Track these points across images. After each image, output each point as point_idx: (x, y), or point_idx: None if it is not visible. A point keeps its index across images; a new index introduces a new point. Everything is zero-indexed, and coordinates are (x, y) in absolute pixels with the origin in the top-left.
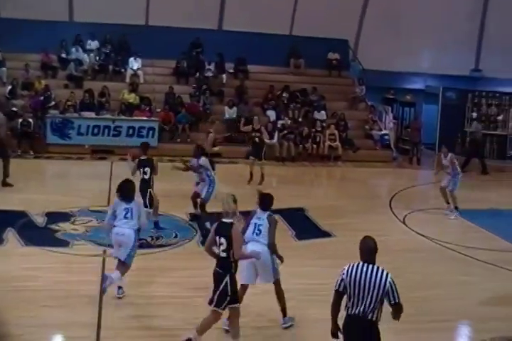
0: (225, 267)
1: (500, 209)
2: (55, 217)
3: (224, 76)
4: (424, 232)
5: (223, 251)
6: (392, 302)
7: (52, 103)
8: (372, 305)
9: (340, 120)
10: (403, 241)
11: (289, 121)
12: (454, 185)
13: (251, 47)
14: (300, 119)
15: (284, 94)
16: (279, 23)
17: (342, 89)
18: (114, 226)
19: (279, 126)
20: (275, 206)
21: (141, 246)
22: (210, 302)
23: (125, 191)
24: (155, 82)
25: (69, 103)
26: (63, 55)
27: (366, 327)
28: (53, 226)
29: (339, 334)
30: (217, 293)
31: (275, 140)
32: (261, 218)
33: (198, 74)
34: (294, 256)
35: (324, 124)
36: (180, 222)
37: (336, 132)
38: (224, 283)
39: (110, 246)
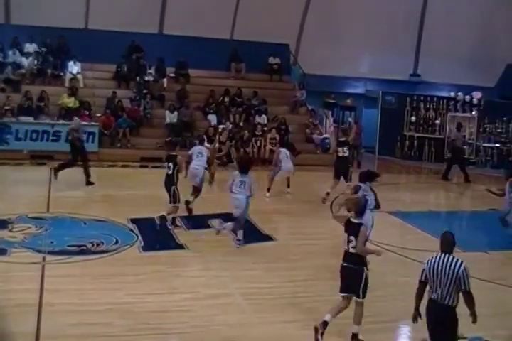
0: (358, 262)
1: (438, 211)
2: None
3: (165, 80)
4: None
5: (353, 247)
6: (462, 288)
7: None
8: (447, 290)
9: (281, 124)
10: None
11: (230, 126)
12: None
13: (192, 51)
14: (241, 123)
15: (226, 99)
16: (220, 27)
17: (283, 94)
18: (233, 192)
19: (219, 130)
20: (216, 211)
21: (81, 253)
22: (358, 296)
23: (243, 165)
24: (95, 86)
25: (6, 107)
26: (0, 58)
27: (442, 310)
28: None
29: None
30: (361, 286)
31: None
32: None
33: (138, 78)
34: (236, 260)
35: (265, 128)
36: (120, 228)
37: (277, 136)
38: (364, 276)
39: (50, 253)
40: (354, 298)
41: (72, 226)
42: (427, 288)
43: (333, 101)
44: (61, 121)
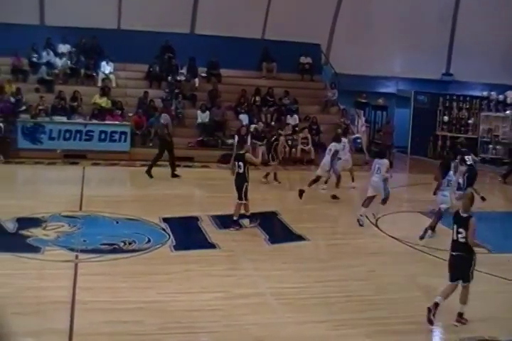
0: (467, 250)
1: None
2: (26, 222)
3: (196, 80)
4: (396, 235)
5: (463, 237)
6: None
7: (23, 107)
8: None
9: (312, 124)
10: (375, 244)
11: (262, 125)
12: None
13: (223, 51)
14: (273, 123)
15: (257, 98)
16: (252, 27)
17: (314, 93)
18: (373, 176)
19: (251, 129)
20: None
21: (113, 251)
22: (464, 280)
23: (379, 152)
24: (127, 86)
25: (40, 107)
26: (34, 59)
27: None
28: (24, 232)
29: None
30: (470, 271)
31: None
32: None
33: (170, 78)
34: (267, 260)
35: (297, 128)
36: (152, 227)
37: (308, 136)
38: (473, 262)
39: (82, 251)
40: (461, 282)
41: (104, 225)
42: None
43: (364, 100)
44: (94, 121)
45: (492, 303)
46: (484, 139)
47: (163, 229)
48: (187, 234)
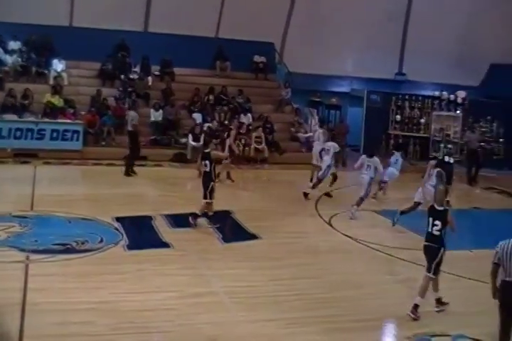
0: (440, 242)
1: (423, 209)
2: None
3: (150, 78)
4: (349, 233)
5: (437, 230)
6: None
7: None
8: None
9: (266, 123)
10: (328, 242)
11: (216, 124)
12: None
13: (177, 49)
14: (226, 122)
15: (211, 97)
16: (205, 25)
17: (268, 92)
18: (361, 173)
19: (205, 128)
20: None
21: (66, 251)
22: (429, 272)
23: (369, 151)
24: (80, 84)
25: None
26: None
27: None
28: None
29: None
30: (435, 263)
31: (201, 143)
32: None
33: (123, 76)
34: (220, 258)
35: (251, 127)
36: (105, 226)
37: (262, 135)
38: (440, 255)
39: (33, 251)
40: (425, 273)
41: (56, 225)
42: (500, 269)
43: (318, 99)
44: (45, 119)
45: (444, 299)
46: (436, 138)
47: (116, 229)
48: (140, 233)
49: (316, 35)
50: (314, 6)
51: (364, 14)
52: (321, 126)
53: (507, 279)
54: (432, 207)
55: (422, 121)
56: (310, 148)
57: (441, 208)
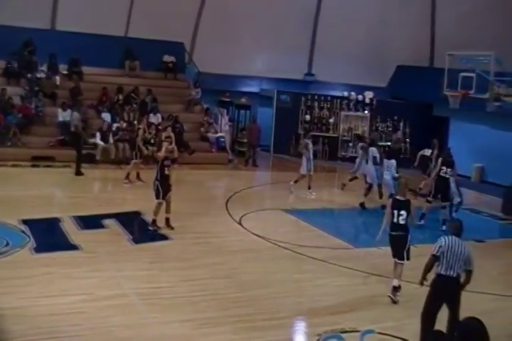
0: (407, 230)
1: (332, 208)
2: None
3: (57, 77)
4: (259, 232)
5: (403, 219)
6: (468, 268)
7: None
8: (458, 268)
9: (175, 122)
10: (239, 241)
11: (124, 124)
12: None
13: (85, 48)
14: (135, 122)
15: (120, 97)
16: (115, 24)
17: (178, 92)
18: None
19: (113, 128)
20: (111, 210)
21: None
22: (402, 259)
23: (387, 153)
24: None
25: None
26: None
27: (455, 286)
28: None
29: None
30: (406, 249)
31: (110, 142)
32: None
33: (30, 75)
34: (131, 260)
35: (160, 127)
36: (11, 229)
37: (172, 135)
38: (408, 242)
39: None
40: (396, 260)
41: None
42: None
43: (228, 99)
44: None
45: (352, 296)
46: (344, 138)
47: (23, 232)
48: (48, 235)
49: (226, 35)
50: (224, 6)
51: (274, 14)
52: (230, 126)
53: (443, 273)
54: (395, 199)
55: (331, 121)
56: (220, 148)
57: (404, 198)
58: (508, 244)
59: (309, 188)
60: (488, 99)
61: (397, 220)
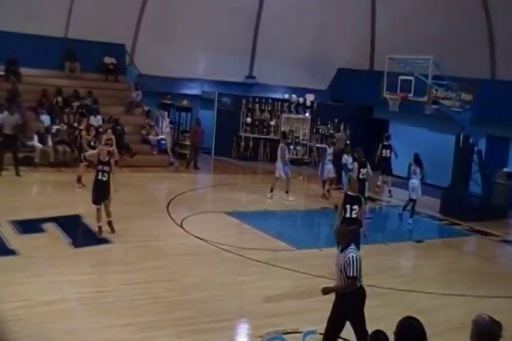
0: (359, 224)
1: (274, 210)
2: None
3: None
4: (201, 235)
5: (356, 213)
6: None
7: None
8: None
9: (116, 125)
10: (181, 245)
11: (65, 126)
12: None
13: (24, 49)
14: (76, 124)
15: (59, 99)
16: (54, 25)
17: (118, 94)
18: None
19: (53, 131)
20: (50, 214)
21: None
22: None
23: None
24: None
25: None
26: None
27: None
28: None
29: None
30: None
31: (49, 145)
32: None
33: None
34: (71, 264)
35: (101, 129)
36: None
37: (112, 137)
38: (360, 235)
39: None
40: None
41: None
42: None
43: (169, 102)
44: None
45: (294, 297)
46: (285, 140)
47: None
48: None
49: (167, 37)
50: (165, 8)
51: (215, 17)
52: (171, 128)
53: (361, 283)
54: (347, 195)
55: (272, 123)
56: (161, 151)
57: (355, 194)
58: (445, 243)
59: (287, 192)
60: (426, 101)
61: (350, 215)
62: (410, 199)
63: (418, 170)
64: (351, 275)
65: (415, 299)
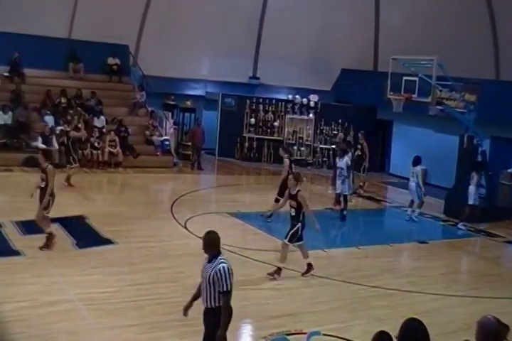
0: (297, 219)
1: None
2: None
3: None
4: None
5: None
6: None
7: None
8: None
9: (120, 126)
10: (184, 245)
11: (68, 127)
12: None
13: (27, 50)
14: (80, 125)
15: (63, 100)
16: (58, 25)
17: (122, 95)
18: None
19: (57, 132)
20: (54, 215)
21: None
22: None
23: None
24: None
25: None
26: None
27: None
28: None
29: None
30: (291, 233)
31: (54, 146)
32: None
33: None
34: (75, 265)
35: (104, 130)
36: None
37: (116, 138)
38: (296, 227)
39: None
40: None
41: None
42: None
43: (173, 102)
44: None
45: (298, 298)
46: (289, 141)
47: None
48: None
49: (171, 38)
50: (169, 8)
51: (219, 18)
52: (175, 129)
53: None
54: (288, 193)
55: (276, 124)
56: (164, 151)
57: (294, 192)
58: (448, 244)
59: None
60: (430, 102)
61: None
62: (412, 201)
63: (415, 172)
64: (225, 289)
65: (419, 300)
